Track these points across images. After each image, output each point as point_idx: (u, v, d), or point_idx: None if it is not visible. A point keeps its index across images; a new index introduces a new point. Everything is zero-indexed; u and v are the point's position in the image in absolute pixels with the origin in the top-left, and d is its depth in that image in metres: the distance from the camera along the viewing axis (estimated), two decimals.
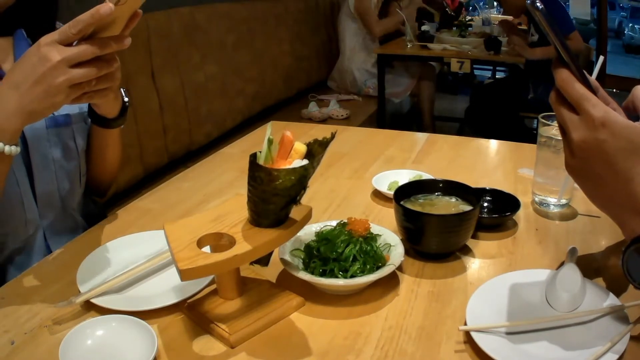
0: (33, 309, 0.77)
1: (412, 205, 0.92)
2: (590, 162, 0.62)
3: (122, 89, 0.96)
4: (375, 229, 0.85)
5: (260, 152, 0.70)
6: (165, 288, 0.80)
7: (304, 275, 0.77)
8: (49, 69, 0.70)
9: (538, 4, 0.58)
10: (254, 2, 3.05)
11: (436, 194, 0.96)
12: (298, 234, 0.78)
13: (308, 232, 0.85)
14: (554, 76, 0.62)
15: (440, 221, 0.86)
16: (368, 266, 0.78)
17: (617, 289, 0.76)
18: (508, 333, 0.69)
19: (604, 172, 0.61)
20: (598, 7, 5.08)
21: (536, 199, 1.06)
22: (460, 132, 3.97)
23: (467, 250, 0.91)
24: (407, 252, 0.85)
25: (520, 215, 1.02)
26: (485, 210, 1.02)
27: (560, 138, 0.71)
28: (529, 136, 2.99)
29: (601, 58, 0.86)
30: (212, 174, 1.26)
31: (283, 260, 0.80)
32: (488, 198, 1.04)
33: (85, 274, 0.83)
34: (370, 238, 0.81)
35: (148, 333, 0.68)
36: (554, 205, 1.04)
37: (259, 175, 0.68)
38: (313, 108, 3.24)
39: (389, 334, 0.71)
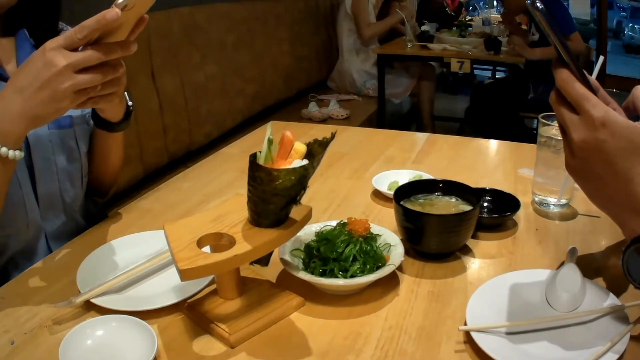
0: (33, 309, 0.77)
1: (412, 205, 0.92)
2: (590, 162, 0.62)
3: (125, 93, 0.96)
4: (375, 229, 0.85)
5: (260, 152, 0.70)
6: (165, 288, 0.80)
7: (304, 275, 0.77)
8: (54, 74, 0.69)
9: (538, 4, 0.58)
10: (254, 2, 3.05)
11: (436, 194, 0.96)
12: (298, 234, 0.78)
13: (308, 232, 0.85)
14: (554, 76, 0.62)
15: (440, 221, 0.86)
16: (368, 266, 0.78)
17: (617, 289, 0.76)
18: (508, 333, 0.69)
19: (604, 172, 0.61)
20: (598, 7, 5.08)
21: (536, 199, 1.06)
22: (460, 132, 3.97)
23: (467, 250, 0.91)
24: (407, 252, 0.85)
25: (520, 215, 1.02)
26: (485, 210, 1.02)
27: (560, 138, 0.71)
28: (529, 136, 2.98)
29: (601, 58, 0.86)
30: (212, 174, 1.27)
31: (283, 260, 0.80)
32: (488, 198, 1.04)
33: (85, 274, 0.83)
34: (370, 238, 0.81)
35: (148, 333, 0.68)
36: (554, 205, 1.04)
37: (259, 175, 0.68)
38: (313, 108, 3.24)
39: (389, 334, 0.71)
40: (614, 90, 4.36)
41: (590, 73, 0.67)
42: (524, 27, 3.62)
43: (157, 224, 0.99)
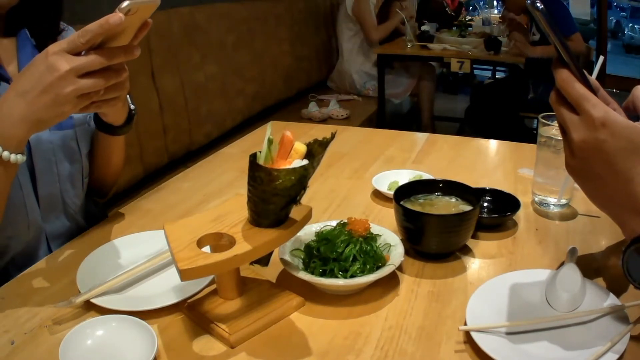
0: (33, 309, 0.77)
1: (412, 205, 0.92)
2: (590, 162, 0.62)
3: (128, 96, 0.96)
4: (375, 229, 0.85)
5: (260, 152, 0.70)
6: (165, 288, 0.80)
7: (304, 275, 0.77)
8: (57, 79, 0.69)
9: (538, 4, 0.58)
10: (254, 2, 3.05)
11: (436, 194, 0.96)
12: (298, 234, 0.78)
13: (308, 232, 0.85)
14: (554, 76, 0.62)
15: (440, 221, 0.86)
16: (368, 266, 0.78)
17: (617, 289, 0.76)
18: (508, 333, 0.69)
19: (604, 172, 0.61)
20: (598, 7, 5.08)
21: (536, 199, 1.06)
22: (460, 132, 3.97)
23: (467, 250, 0.91)
24: (407, 252, 0.85)
25: (520, 215, 1.02)
26: (485, 210, 1.02)
27: (560, 138, 0.71)
28: (529, 136, 2.99)
29: (601, 58, 0.86)
30: (212, 174, 1.27)
31: (283, 260, 0.80)
32: (488, 198, 1.04)
33: (85, 274, 0.83)
34: (370, 238, 0.81)
35: (148, 333, 0.68)
36: (554, 205, 1.04)
37: (259, 175, 0.68)
38: (313, 108, 3.24)
39: (389, 334, 0.71)
40: (614, 90, 4.36)
41: (590, 73, 0.67)
42: (525, 26, 3.62)
43: (157, 224, 0.99)
